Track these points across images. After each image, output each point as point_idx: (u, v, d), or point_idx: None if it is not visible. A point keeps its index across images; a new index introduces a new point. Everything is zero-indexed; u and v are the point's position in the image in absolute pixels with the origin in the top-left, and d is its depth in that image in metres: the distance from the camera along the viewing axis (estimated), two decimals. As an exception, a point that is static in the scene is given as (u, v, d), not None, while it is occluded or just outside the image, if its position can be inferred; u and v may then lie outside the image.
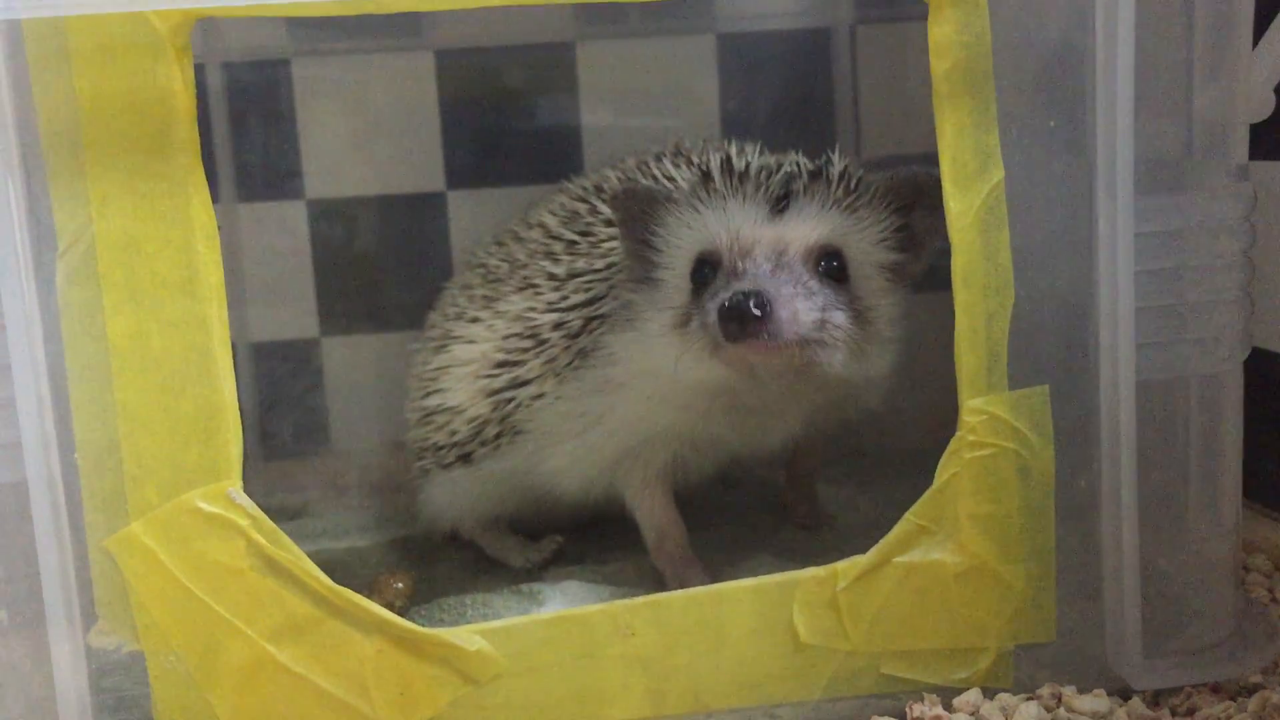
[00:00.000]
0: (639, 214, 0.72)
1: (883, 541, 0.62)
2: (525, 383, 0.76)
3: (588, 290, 0.76)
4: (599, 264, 0.77)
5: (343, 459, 1.07)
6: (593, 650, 0.62)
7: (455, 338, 0.82)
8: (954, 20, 0.58)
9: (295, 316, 1.05)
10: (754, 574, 0.64)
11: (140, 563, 0.58)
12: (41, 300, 0.55)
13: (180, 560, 0.58)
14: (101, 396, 0.57)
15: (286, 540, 0.59)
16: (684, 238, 0.70)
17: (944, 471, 0.62)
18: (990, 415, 0.61)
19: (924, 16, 0.59)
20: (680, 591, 0.63)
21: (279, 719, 0.60)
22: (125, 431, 0.57)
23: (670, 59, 1.06)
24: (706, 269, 0.68)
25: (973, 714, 0.61)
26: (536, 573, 0.84)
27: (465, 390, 0.79)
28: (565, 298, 0.77)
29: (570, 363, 0.74)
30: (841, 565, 0.62)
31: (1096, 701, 0.61)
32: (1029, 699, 0.62)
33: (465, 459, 0.80)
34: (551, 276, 0.78)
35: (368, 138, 1.06)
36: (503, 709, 0.61)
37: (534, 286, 0.79)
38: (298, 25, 1.02)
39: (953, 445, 0.62)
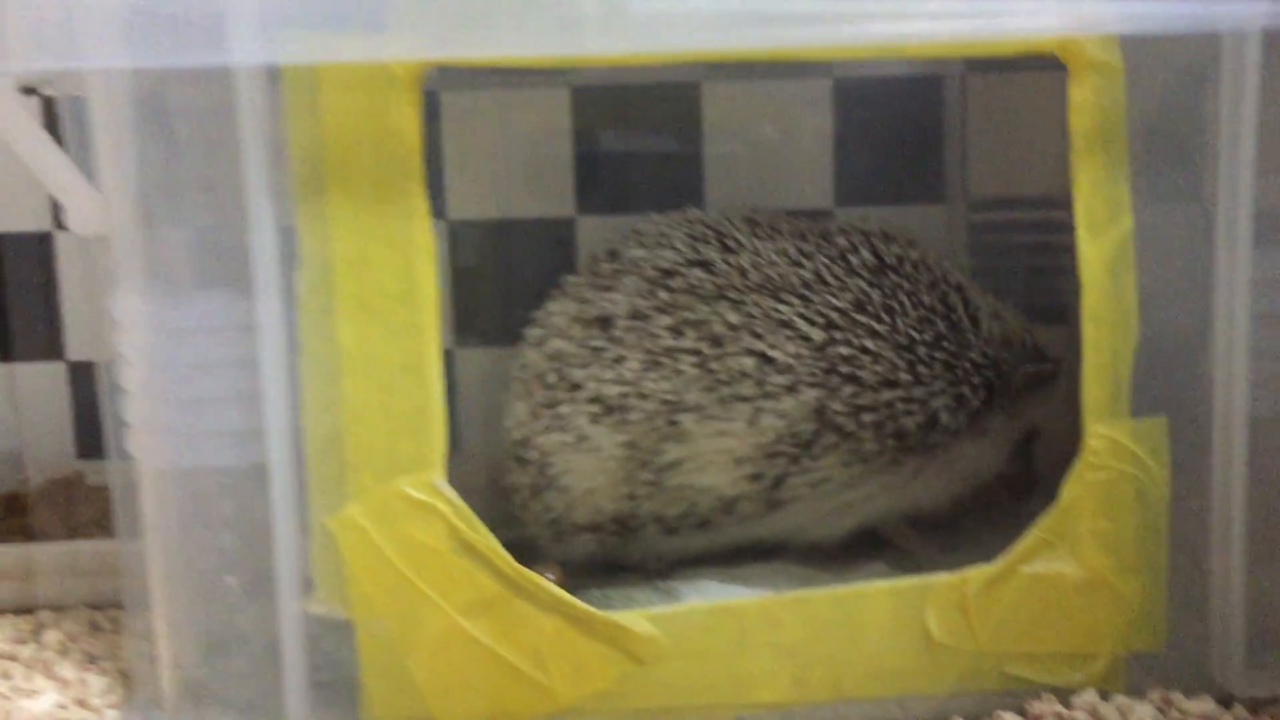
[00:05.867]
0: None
1: (1010, 552, 0.69)
2: (810, 470, 0.80)
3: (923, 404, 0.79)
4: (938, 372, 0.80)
5: (472, 463, 1.14)
6: (744, 638, 0.69)
7: (695, 430, 0.81)
8: (1092, 84, 0.65)
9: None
10: (872, 576, 0.71)
11: (355, 540, 0.66)
12: (284, 308, 0.64)
13: (389, 539, 0.66)
14: (329, 393, 0.65)
15: (480, 526, 0.67)
16: None
17: (1068, 491, 0.69)
18: (1113, 441, 0.68)
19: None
20: (824, 588, 0.70)
21: (467, 684, 0.67)
22: (348, 424, 0.65)
23: (789, 100, 1.14)
24: None
25: (1091, 713, 0.67)
26: (666, 572, 0.91)
27: (722, 475, 0.81)
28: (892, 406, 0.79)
29: (888, 458, 0.79)
30: (972, 572, 0.69)
31: (1205, 705, 0.67)
32: (1142, 701, 0.68)
33: (703, 526, 0.83)
34: (858, 382, 0.79)
35: (506, 165, 1.14)
36: (663, 687, 0.68)
37: (827, 386, 0.79)
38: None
39: (1077, 467, 0.68)
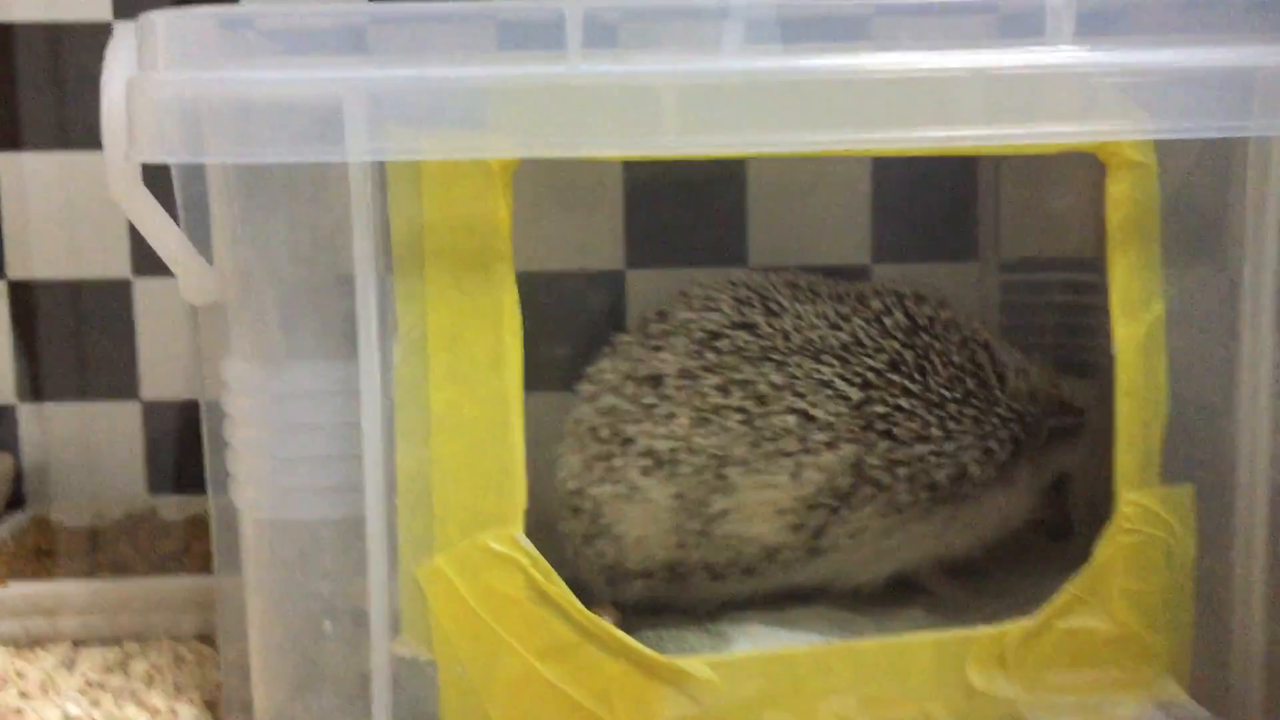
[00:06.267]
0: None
1: (1046, 608, 0.74)
2: (848, 520, 0.85)
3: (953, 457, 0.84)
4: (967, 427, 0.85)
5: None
6: (797, 684, 0.74)
7: (741, 483, 0.85)
8: (1128, 180, 0.70)
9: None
10: (909, 621, 0.76)
11: (441, 589, 0.71)
12: (383, 375, 0.69)
13: (471, 588, 0.71)
14: (420, 452, 0.70)
15: (556, 577, 0.72)
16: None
17: (1101, 552, 0.74)
18: (1143, 507, 0.73)
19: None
20: (872, 639, 0.75)
21: (540, 723, 0.73)
22: (437, 481, 0.71)
23: (830, 162, 1.19)
24: None
25: (1119, 758, 0.73)
26: (714, 614, 0.96)
27: (766, 525, 0.86)
28: (924, 460, 0.84)
29: (921, 508, 0.85)
30: (1010, 626, 0.74)
31: (1226, 753, 0.72)
32: (1168, 748, 0.73)
33: (748, 572, 0.88)
34: (894, 438, 0.84)
35: (558, 217, 1.20)
36: (721, 728, 0.74)
37: (864, 442, 0.84)
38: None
39: (1109, 530, 0.74)
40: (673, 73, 0.65)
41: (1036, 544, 0.94)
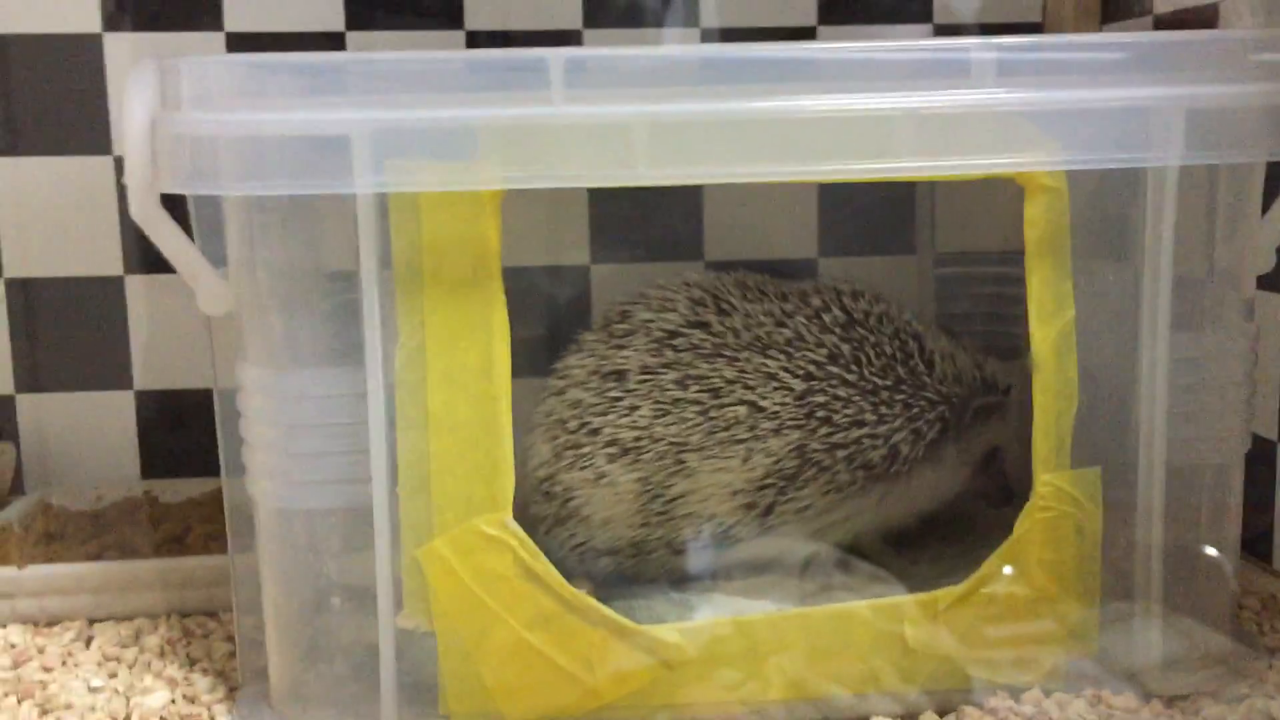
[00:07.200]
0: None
1: (973, 577, 0.84)
2: (794, 499, 0.94)
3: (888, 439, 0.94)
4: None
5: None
6: (754, 646, 0.83)
7: (698, 468, 0.94)
8: (1043, 203, 0.80)
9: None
10: (855, 589, 0.89)
11: (439, 568, 0.80)
12: (386, 379, 0.78)
13: (466, 567, 0.80)
14: (419, 448, 0.79)
15: (542, 556, 0.81)
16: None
17: (1020, 527, 0.84)
18: (1056, 487, 0.83)
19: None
20: (823, 606, 0.85)
21: (528, 685, 0.81)
22: (434, 473, 0.79)
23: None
24: None
25: (1036, 707, 0.83)
26: (681, 585, 1.05)
27: (721, 505, 0.95)
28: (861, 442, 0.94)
29: (858, 486, 0.95)
30: (941, 593, 0.84)
31: (1128, 701, 0.83)
32: (1077, 698, 0.84)
33: (707, 548, 0.97)
34: (831, 423, 0.93)
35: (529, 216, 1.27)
36: (688, 685, 0.83)
37: (803, 426, 0.93)
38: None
39: (1027, 508, 0.84)
40: (644, 113, 0.73)
41: (980, 517, 1.05)
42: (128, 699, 0.89)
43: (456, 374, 0.78)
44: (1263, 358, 0.97)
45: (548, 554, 0.92)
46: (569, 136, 0.73)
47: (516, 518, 0.81)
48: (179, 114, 0.73)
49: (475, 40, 1.24)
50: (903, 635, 0.84)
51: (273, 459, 0.79)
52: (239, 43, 1.23)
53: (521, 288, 1.27)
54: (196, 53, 1.16)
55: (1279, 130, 0.79)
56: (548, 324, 1.29)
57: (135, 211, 0.76)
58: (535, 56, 0.73)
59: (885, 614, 0.84)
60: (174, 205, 0.80)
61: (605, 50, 0.76)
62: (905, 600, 0.84)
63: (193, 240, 0.80)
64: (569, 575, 0.98)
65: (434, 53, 0.76)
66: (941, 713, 0.83)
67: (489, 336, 0.78)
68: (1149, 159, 0.77)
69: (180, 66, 0.73)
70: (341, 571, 0.81)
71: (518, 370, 1.26)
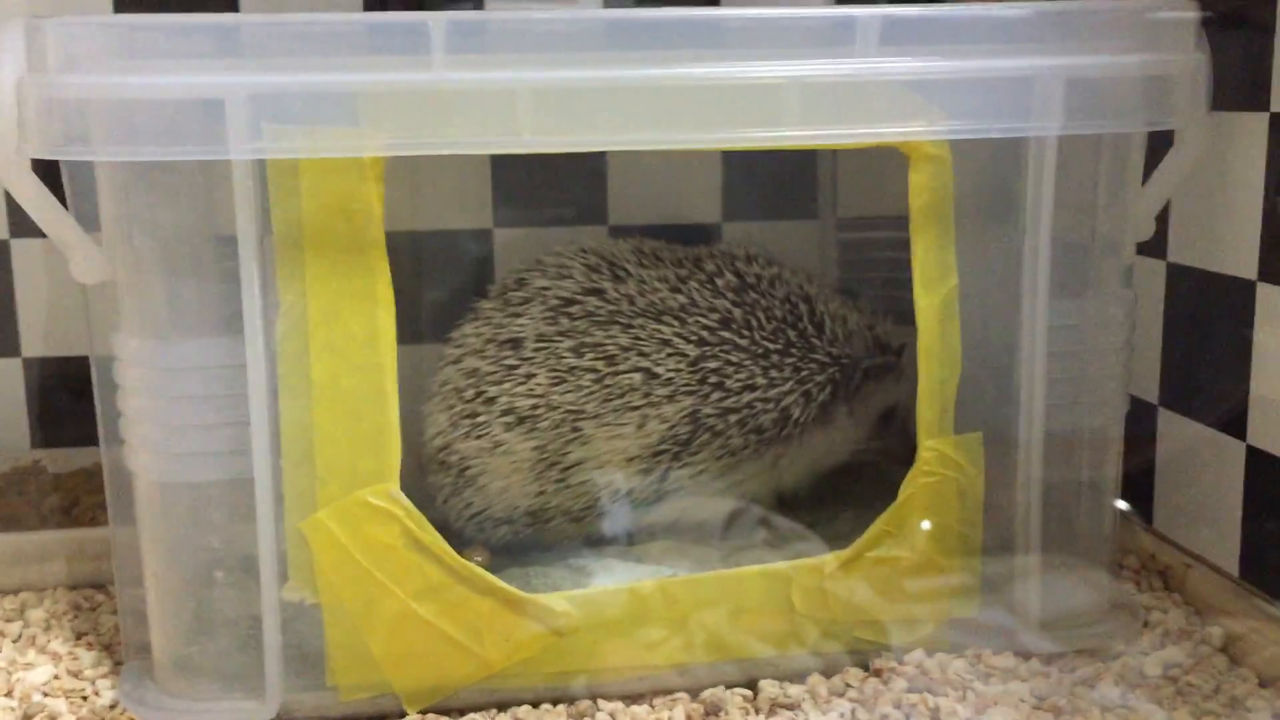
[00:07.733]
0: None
1: (858, 541, 0.85)
2: (689, 464, 0.95)
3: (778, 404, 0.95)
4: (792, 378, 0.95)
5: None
6: (645, 613, 0.84)
7: (594, 435, 0.95)
8: (927, 171, 0.80)
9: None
10: (750, 553, 0.90)
11: (324, 540, 0.79)
12: (267, 349, 0.76)
13: (352, 538, 0.79)
14: (302, 418, 0.78)
15: (429, 526, 0.80)
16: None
17: (904, 491, 0.85)
18: (940, 452, 0.84)
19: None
20: (710, 572, 0.86)
21: (416, 656, 0.81)
22: (318, 444, 0.78)
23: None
24: None
25: (918, 667, 0.85)
26: (576, 552, 1.06)
27: (618, 471, 0.96)
28: (752, 408, 0.94)
29: (751, 450, 0.95)
30: (827, 557, 0.85)
31: (1008, 660, 0.85)
32: (959, 657, 0.86)
33: (604, 514, 0.98)
34: (722, 386, 0.94)
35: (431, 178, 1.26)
36: (578, 653, 0.83)
37: (695, 391, 0.94)
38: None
39: (911, 473, 0.85)
40: (525, 79, 0.73)
41: (885, 477, 1.06)
42: (9, 674, 0.87)
43: (340, 343, 0.77)
44: (1145, 322, 1.00)
45: (446, 523, 0.92)
46: (450, 103, 0.72)
47: (414, 487, 0.80)
48: (45, 76, 0.71)
49: (371, 4, 1.21)
50: (791, 600, 0.85)
51: (152, 432, 0.78)
52: (128, 3, 1.19)
53: (422, 252, 1.29)
54: (83, 12, 1.13)
55: (1158, 100, 0.80)
56: (449, 289, 1.28)
57: (3, 176, 0.74)
58: (417, 20, 0.72)
59: (774, 579, 0.85)
60: (51, 168, 0.78)
61: (487, 14, 0.75)
62: (793, 565, 0.85)
63: (66, 206, 0.77)
64: (466, 544, 0.99)
65: (315, 15, 0.74)
66: (828, 675, 0.85)
67: (373, 305, 0.77)
68: (1030, 128, 0.78)
69: (46, 27, 0.70)
70: (225, 544, 0.79)
71: (422, 336, 1.27)
